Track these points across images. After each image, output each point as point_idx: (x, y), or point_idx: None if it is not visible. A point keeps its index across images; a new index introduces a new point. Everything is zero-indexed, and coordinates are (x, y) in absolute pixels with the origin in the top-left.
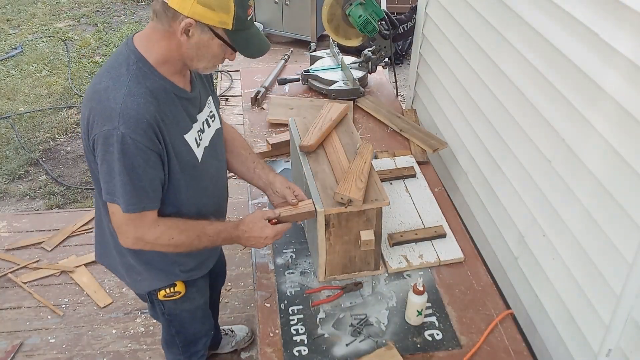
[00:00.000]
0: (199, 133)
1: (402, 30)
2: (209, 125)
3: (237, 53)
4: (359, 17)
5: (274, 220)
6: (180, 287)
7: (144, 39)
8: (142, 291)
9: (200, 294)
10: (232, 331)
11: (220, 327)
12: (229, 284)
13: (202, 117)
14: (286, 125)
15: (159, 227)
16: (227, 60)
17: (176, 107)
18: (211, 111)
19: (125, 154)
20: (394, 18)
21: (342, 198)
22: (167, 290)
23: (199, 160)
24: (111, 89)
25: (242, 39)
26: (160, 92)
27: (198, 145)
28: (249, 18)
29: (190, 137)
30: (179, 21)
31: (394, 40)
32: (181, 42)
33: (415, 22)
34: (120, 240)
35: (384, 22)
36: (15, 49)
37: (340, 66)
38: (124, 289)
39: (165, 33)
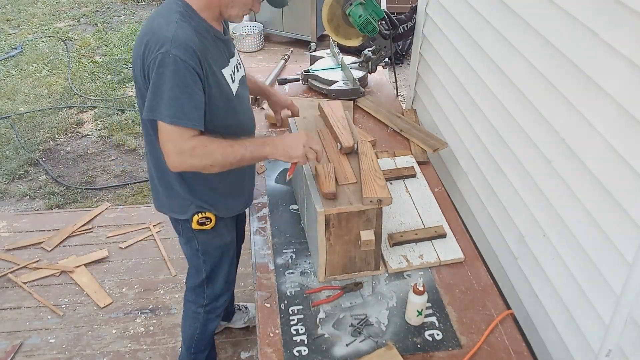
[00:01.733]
0: (233, 72)
1: (402, 30)
2: (237, 70)
3: (262, 3)
4: (359, 17)
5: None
6: (210, 215)
7: None
8: (183, 216)
9: (227, 231)
10: (245, 307)
11: (235, 303)
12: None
13: (233, 61)
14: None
15: (195, 139)
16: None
17: (216, 45)
18: (238, 60)
19: (177, 73)
20: (394, 18)
21: (371, 201)
22: (200, 215)
23: (234, 94)
24: (163, 24)
25: None
26: (202, 31)
27: (233, 81)
28: None
29: (226, 72)
30: None
31: (394, 40)
32: None
33: (415, 22)
34: (167, 160)
35: (384, 22)
36: (15, 49)
37: (340, 66)
38: (124, 289)
39: None
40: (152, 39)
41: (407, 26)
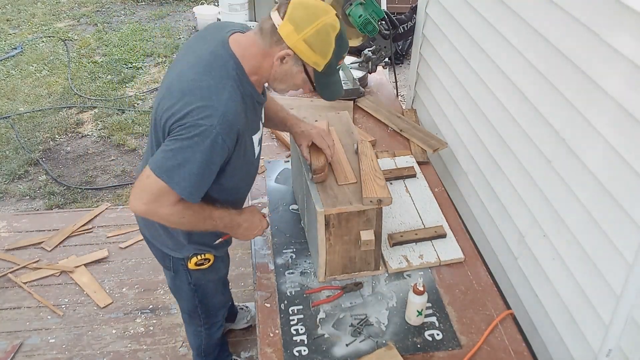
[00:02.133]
0: (260, 132)
1: (402, 30)
2: (262, 122)
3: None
4: (359, 17)
5: (265, 215)
6: (209, 256)
7: (243, 47)
8: (179, 255)
9: (224, 265)
10: (246, 307)
11: (236, 304)
12: (229, 284)
13: (261, 123)
14: None
15: (178, 206)
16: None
17: (255, 112)
18: (262, 114)
19: (212, 151)
20: (394, 18)
21: (371, 201)
22: (199, 257)
23: (255, 156)
24: (214, 89)
25: (325, 82)
26: (248, 98)
27: (259, 143)
28: (337, 67)
29: (256, 137)
30: (281, 48)
31: (394, 40)
32: (274, 64)
33: (415, 22)
34: (131, 203)
35: (384, 22)
36: (15, 49)
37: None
38: (124, 289)
39: (263, 51)
40: (200, 105)
41: (407, 26)
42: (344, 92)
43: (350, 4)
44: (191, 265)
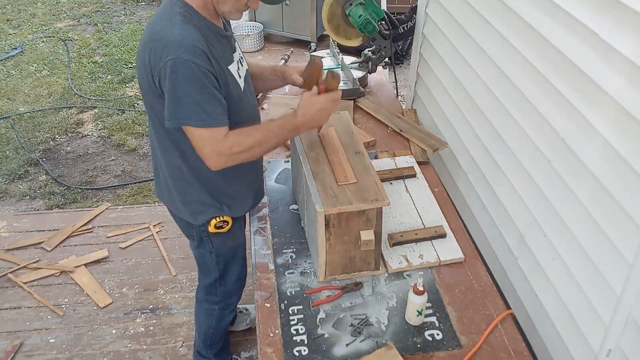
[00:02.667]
0: (238, 67)
1: (402, 30)
2: (241, 65)
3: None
4: (359, 17)
5: (322, 89)
6: (227, 218)
7: None
8: (199, 222)
9: (241, 232)
10: (246, 310)
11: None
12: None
13: (236, 56)
14: None
15: (229, 137)
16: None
17: (219, 42)
18: (240, 54)
19: (193, 77)
20: (394, 18)
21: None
22: (218, 219)
23: (242, 90)
24: (166, 28)
25: None
26: (205, 29)
27: (240, 76)
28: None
29: (232, 68)
30: None
31: (394, 40)
32: None
33: (415, 22)
34: (208, 163)
35: (384, 22)
36: (15, 49)
37: (340, 66)
38: (124, 289)
39: None
40: (158, 45)
41: (407, 26)
42: None
43: (350, 4)
44: (211, 228)
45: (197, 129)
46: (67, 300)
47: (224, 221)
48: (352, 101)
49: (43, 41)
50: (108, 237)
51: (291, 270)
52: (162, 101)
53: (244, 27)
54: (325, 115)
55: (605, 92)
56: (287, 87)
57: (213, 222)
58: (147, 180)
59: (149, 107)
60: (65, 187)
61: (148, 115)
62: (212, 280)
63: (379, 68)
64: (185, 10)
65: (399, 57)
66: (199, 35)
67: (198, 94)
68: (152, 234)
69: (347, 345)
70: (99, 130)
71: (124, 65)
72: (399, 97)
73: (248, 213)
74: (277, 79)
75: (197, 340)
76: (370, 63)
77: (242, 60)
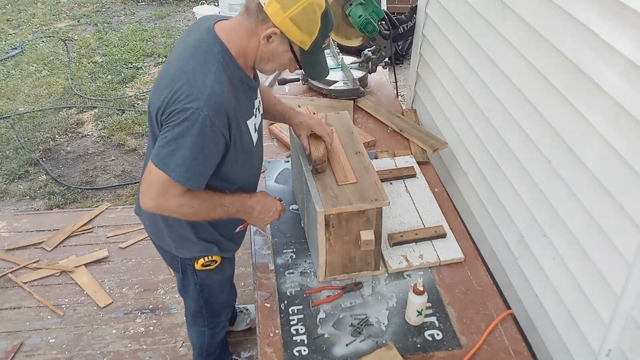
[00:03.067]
0: (255, 118)
1: (402, 30)
2: (258, 113)
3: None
4: (359, 17)
5: (279, 199)
6: (216, 258)
7: (228, 31)
8: (186, 256)
9: (230, 266)
10: (246, 309)
11: (236, 306)
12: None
13: (256, 103)
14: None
15: (185, 196)
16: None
17: (246, 96)
18: (259, 101)
19: (202, 134)
20: (394, 18)
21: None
22: (206, 259)
23: (254, 144)
24: (199, 73)
25: (311, 61)
26: (236, 81)
27: (255, 130)
28: (323, 46)
29: (251, 122)
30: (267, 26)
31: (394, 40)
32: (260, 43)
33: (415, 22)
34: (141, 200)
35: (384, 22)
36: (15, 49)
37: (340, 66)
38: (124, 289)
39: (249, 31)
40: (184, 88)
41: (407, 26)
42: (329, 71)
43: (350, 4)
44: (198, 266)
45: (168, 177)
46: (67, 300)
47: (213, 260)
48: (352, 101)
49: (43, 41)
50: (108, 237)
51: (291, 270)
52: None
53: None
54: (269, 217)
55: (605, 92)
56: (287, 87)
57: (201, 260)
58: None
59: (152, 137)
60: (65, 187)
61: (148, 145)
62: (196, 307)
63: (379, 68)
64: (223, 58)
65: (399, 57)
66: (229, 89)
67: (198, 152)
68: None
69: (347, 345)
70: (99, 130)
71: (124, 65)
72: (399, 97)
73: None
74: (284, 120)
75: (194, 353)
76: (370, 63)
77: (259, 108)
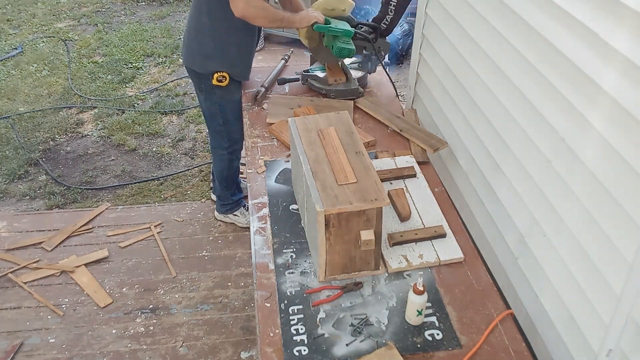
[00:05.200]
0: None
1: (385, 26)
2: None
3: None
4: (332, 49)
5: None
6: (225, 74)
7: None
8: (207, 71)
9: (237, 91)
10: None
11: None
12: (229, 284)
13: None
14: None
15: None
16: None
17: None
18: None
19: None
20: (369, 23)
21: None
22: (218, 73)
23: None
24: None
25: None
26: None
27: None
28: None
29: None
30: None
31: (383, 35)
32: None
33: (394, 10)
34: (235, 7)
35: (361, 33)
36: (16, 49)
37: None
38: (124, 289)
39: None
40: None
41: (388, 19)
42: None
43: (324, 36)
44: (214, 81)
45: None
46: (67, 300)
47: (223, 76)
48: (352, 101)
49: (43, 41)
50: (108, 236)
51: (291, 270)
52: None
53: None
54: (311, 18)
55: (605, 92)
56: (287, 87)
57: (215, 75)
58: (147, 180)
59: None
60: (65, 187)
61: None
62: (218, 125)
63: (379, 68)
64: None
65: (399, 57)
66: None
67: None
68: (153, 234)
69: (347, 345)
70: (99, 130)
71: (124, 65)
72: (399, 97)
73: (242, 89)
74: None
75: (216, 186)
76: (370, 63)
77: None
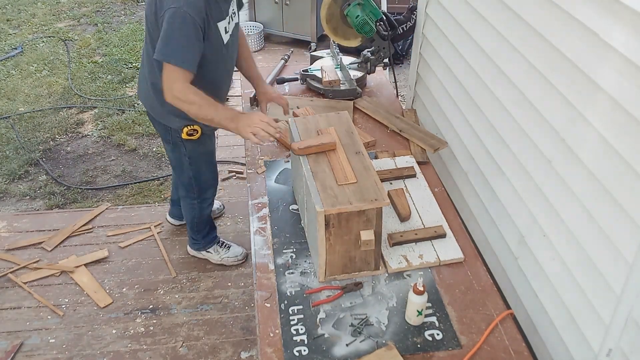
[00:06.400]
0: (228, 22)
1: (401, 31)
2: (232, 19)
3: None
4: (356, 18)
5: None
6: (197, 127)
7: None
8: (174, 126)
9: (211, 142)
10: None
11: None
12: (229, 284)
13: (229, 11)
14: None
15: (190, 87)
16: None
17: (217, 4)
18: (233, 10)
19: (185, 26)
20: (392, 19)
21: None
22: (189, 127)
23: (224, 43)
24: None
25: None
26: None
27: (226, 32)
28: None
29: (221, 25)
30: None
31: (393, 40)
32: None
33: (414, 22)
34: (165, 94)
35: (382, 23)
36: (16, 49)
37: (338, 66)
38: (124, 289)
39: None
40: None
41: (406, 26)
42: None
43: (349, 4)
44: (184, 135)
45: (172, 66)
46: (67, 300)
47: (195, 130)
48: (352, 102)
49: (43, 41)
50: (108, 236)
51: (291, 270)
52: (158, 33)
53: (244, 27)
54: (255, 125)
55: (605, 92)
56: (287, 87)
57: (185, 129)
58: (147, 180)
59: (148, 34)
60: (65, 187)
61: (145, 40)
62: (187, 178)
63: (379, 69)
64: None
65: (399, 57)
66: None
67: (185, 40)
68: (153, 234)
69: (347, 345)
70: (99, 130)
71: (124, 65)
72: (399, 97)
73: (214, 137)
74: (252, 83)
75: (188, 230)
76: (369, 64)
77: (234, 15)
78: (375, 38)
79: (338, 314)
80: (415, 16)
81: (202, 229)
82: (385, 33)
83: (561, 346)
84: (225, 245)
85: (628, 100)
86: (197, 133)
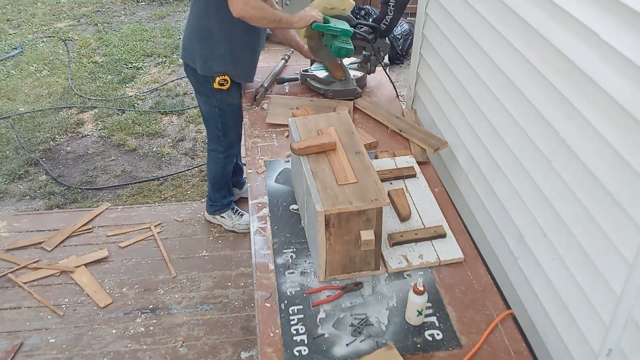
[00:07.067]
0: None
1: (384, 26)
2: None
3: None
4: (331, 48)
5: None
6: (227, 77)
7: None
8: (208, 73)
9: (237, 95)
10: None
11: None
12: (229, 284)
13: None
14: (286, 125)
15: None
16: None
17: None
18: None
19: None
20: (369, 23)
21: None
22: (220, 77)
23: None
24: None
25: None
26: None
27: None
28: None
29: None
30: None
31: (383, 35)
32: None
33: (394, 13)
34: (233, 8)
35: (364, 29)
36: (16, 49)
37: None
38: (124, 289)
39: None
40: None
41: (387, 19)
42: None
43: (322, 35)
44: (216, 85)
45: None
46: (67, 300)
47: (225, 79)
48: (352, 102)
49: (43, 41)
50: (108, 236)
51: (291, 270)
52: None
53: None
54: (308, 15)
55: (606, 92)
56: (287, 87)
57: (217, 78)
58: (147, 180)
59: None
60: (65, 187)
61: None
62: (216, 128)
63: (379, 68)
64: None
65: (399, 57)
66: None
67: None
68: (153, 234)
69: (347, 345)
70: (99, 130)
71: (124, 65)
72: (399, 97)
73: (242, 92)
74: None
75: (208, 189)
76: (369, 64)
77: None
78: (364, 45)
79: (338, 313)
80: (392, 5)
81: (222, 188)
82: (370, 36)
83: (561, 346)
84: (238, 213)
85: (628, 100)
86: (227, 83)
